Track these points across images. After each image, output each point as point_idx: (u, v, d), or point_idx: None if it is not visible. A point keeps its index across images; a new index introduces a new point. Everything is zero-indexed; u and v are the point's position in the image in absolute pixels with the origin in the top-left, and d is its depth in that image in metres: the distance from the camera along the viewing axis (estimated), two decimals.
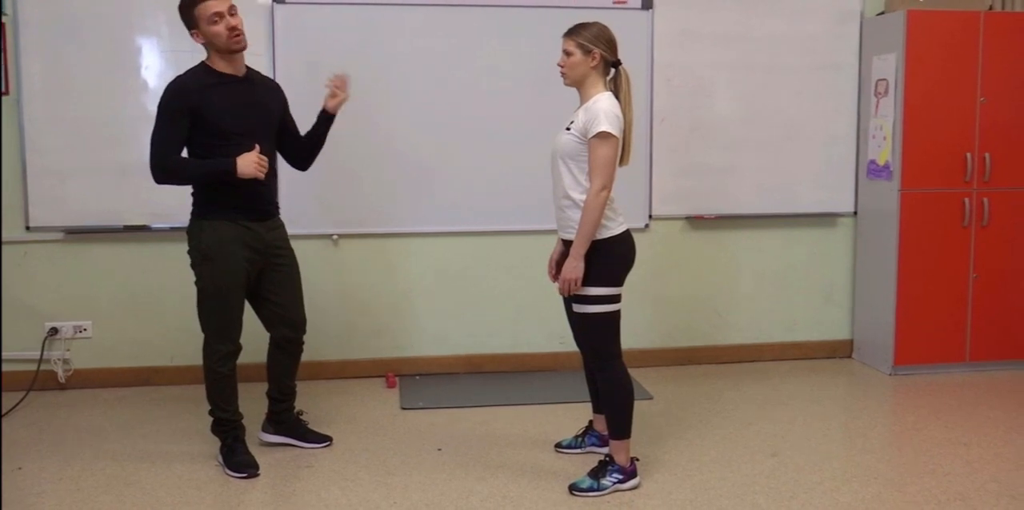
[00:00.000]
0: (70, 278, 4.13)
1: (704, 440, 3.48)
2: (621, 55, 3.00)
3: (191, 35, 3.08)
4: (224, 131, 3.03)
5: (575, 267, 2.88)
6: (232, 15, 3.02)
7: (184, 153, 3.11)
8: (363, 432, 3.60)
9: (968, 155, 4.34)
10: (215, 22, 2.98)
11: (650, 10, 4.35)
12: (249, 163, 3.00)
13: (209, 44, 3.05)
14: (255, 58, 4.07)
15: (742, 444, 3.44)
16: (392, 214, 4.26)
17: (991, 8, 4.45)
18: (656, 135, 4.42)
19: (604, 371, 3.02)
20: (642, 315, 4.52)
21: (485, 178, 4.29)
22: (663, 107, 4.43)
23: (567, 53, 2.95)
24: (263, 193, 3.15)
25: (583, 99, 2.98)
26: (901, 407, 3.97)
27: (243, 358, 3.25)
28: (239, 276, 3.12)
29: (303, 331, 3.36)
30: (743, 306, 4.66)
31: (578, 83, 2.97)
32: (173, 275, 4.19)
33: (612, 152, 2.85)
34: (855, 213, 4.67)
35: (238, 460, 3.17)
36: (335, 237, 4.25)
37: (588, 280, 2.90)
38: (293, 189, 4.14)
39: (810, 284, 4.70)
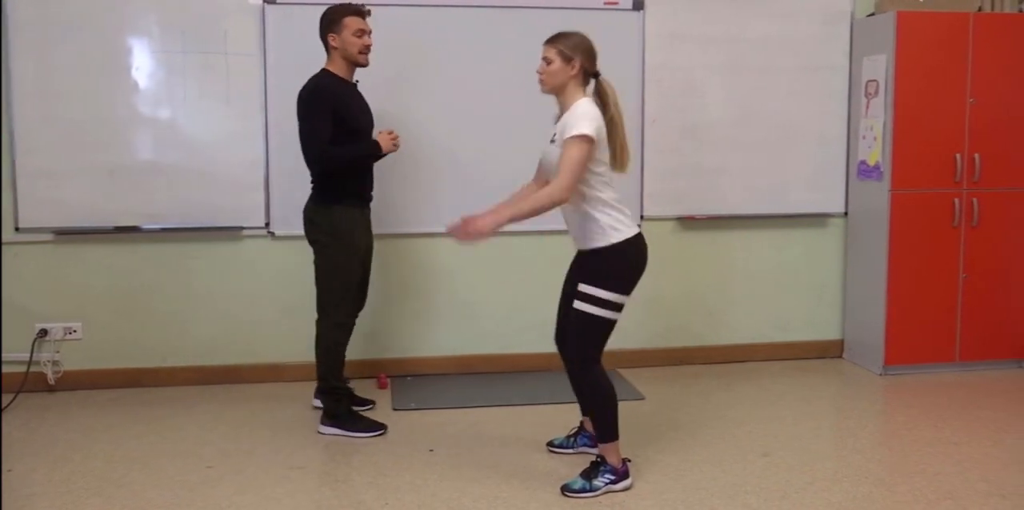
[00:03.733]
0: (60, 279, 4.12)
1: (696, 440, 3.49)
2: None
3: (326, 37, 3.45)
4: (356, 129, 3.45)
5: (487, 222, 2.83)
6: (370, 35, 3.48)
7: None
8: None
9: (958, 156, 4.36)
10: (359, 36, 3.43)
11: (641, 11, 4.36)
12: (387, 141, 3.47)
13: (341, 50, 3.44)
14: (246, 58, 4.09)
15: (734, 444, 3.45)
16: (384, 215, 4.25)
17: (980, 9, 4.47)
18: (647, 136, 4.43)
19: (584, 375, 3.02)
20: (634, 315, 4.51)
21: (476, 180, 4.28)
22: (654, 108, 4.44)
23: (547, 60, 2.95)
24: (371, 181, 3.60)
25: (562, 108, 2.99)
26: (891, 407, 3.99)
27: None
28: (359, 254, 3.53)
29: (361, 308, 3.72)
30: (734, 306, 4.67)
31: (556, 91, 2.98)
32: (164, 276, 4.19)
33: (582, 154, 2.82)
34: (846, 213, 4.69)
35: (366, 422, 3.55)
36: None
37: (601, 282, 2.91)
38: (285, 191, 4.13)
39: (801, 284, 4.72)
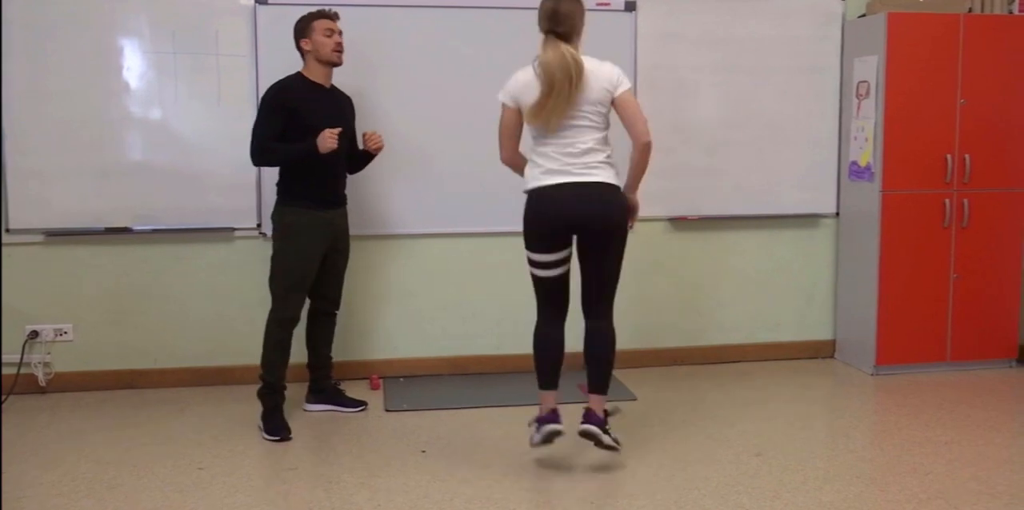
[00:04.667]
0: (51, 281, 4.10)
1: (688, 440, 3.50)
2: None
3: (299, 42, 3.55)
4: (314, 130, 3.42)
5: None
6: (340, 34, 3.56)
7: None
8: (347, 434, 3.59)
9: (948, 156, 4.38)
10: (328, 35, 3.52)
11: (633, 12, 4.36)
12: (323, 138, 3.41)
13: (314, 52, 3.53)
14: (237, 59, 4.08)
15: (726, 444, 3.46)
16: (376, 216, 4.25)
17: (971, 10, 4.48)
18: None
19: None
20: (625, 316, 4.52)
21: (469, 180, 4.28)
22: (646, 109, 4.34)
23: None
24: (333, 185, 3.65)
25: None
26: (883, 407, 4.00)
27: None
28: (313, 255, 3.59)
29: (338, 306, 3.84)
30: (726, 307, 4.67)
31: None
32: (155, 277, 4.18)
33: (502, 117, 3.18)
34: (837, 214, 4.70)
35: (274, 424, 3.54)
36: None
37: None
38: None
39: (792, 285, 4.73)
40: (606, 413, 3.19)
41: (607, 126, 3.13)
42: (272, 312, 3.59)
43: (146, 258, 4.15)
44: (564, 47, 3.01)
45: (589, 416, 3.14)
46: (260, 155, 3.52)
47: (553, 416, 3.17)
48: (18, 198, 4.00)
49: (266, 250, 4.16)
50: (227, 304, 4.22)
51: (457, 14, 4.22)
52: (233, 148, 4.10)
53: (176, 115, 4.08)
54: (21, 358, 4.07)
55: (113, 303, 4.15)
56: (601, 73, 3.06)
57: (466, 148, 4.26)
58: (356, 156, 3.76)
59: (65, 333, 4.14)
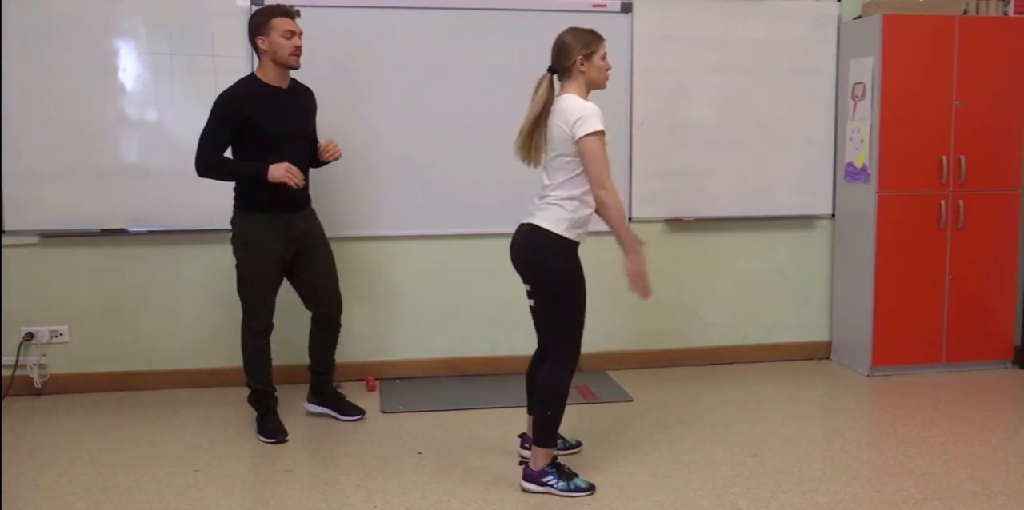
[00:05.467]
0: (46, 282, 4.09)
1: (684, 441, 3.50)
2: None
3: (255, 40, 3.36)
4: (272, 136, 3.36)
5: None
6: (300, 36, 3.38)
7: (228, 153, 3.43)
8: (343, 435, 3.59)
9: (944, 158, 4.39)
10: (287, 37, 3.34)
11: (630, 14, 4.37)
12: (280, 171, 3.32)
13: (270, 53, 3.36)
14: (233, 61, 4.08)
15: (722, 445, 3.46)
16: (372, 217, 4.25)
17: (966, 12, 4.49)
18: (636, 138, 4.44)
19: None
20: (621, 317, 4.53)
21: (465, 181, 4.29)
22: (643, 110, 4.45)
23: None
24: (293, 190, 3.42)
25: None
26: (879, 407, 4.00)
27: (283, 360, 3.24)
28: (271, 261, 3.47)
29: (338, 309, 3.71)
30: (722, 308, 4.68)
31: None
32: (151, 279, 4.17)
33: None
34: (833, 215, 4.71)
35: (269, 427, 3.52)
36: None
37: None
38: None
39: (788, 286, 4.73)
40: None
41: (578, 168, 2.92)
42: (243, 322, 3.53)
43: (142, 260, 4.15)
44: (544, 82, 2.97)
45: (524, 469, 3.05)
46: (205, 168, 3.36)
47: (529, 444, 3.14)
48: (14, 199, 3.99)
49: None
50: (223, 306, 4.21)
51: (449, 15, 4.21)
52: (229, 150, 4.10)
53: (172, 116, 4.08)
54: (16, 360, 4.06)
55: (109, 305, 4.15)
56: (564, 113, 2.90)
57: (462, 150, 4.27)
58: (315, 154, 3.60)
59: (61, 335, 4.13)
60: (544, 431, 3.01)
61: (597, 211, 2.96)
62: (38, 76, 3.95)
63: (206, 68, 4.06)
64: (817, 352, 4.79)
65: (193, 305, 4.21)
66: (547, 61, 3.01)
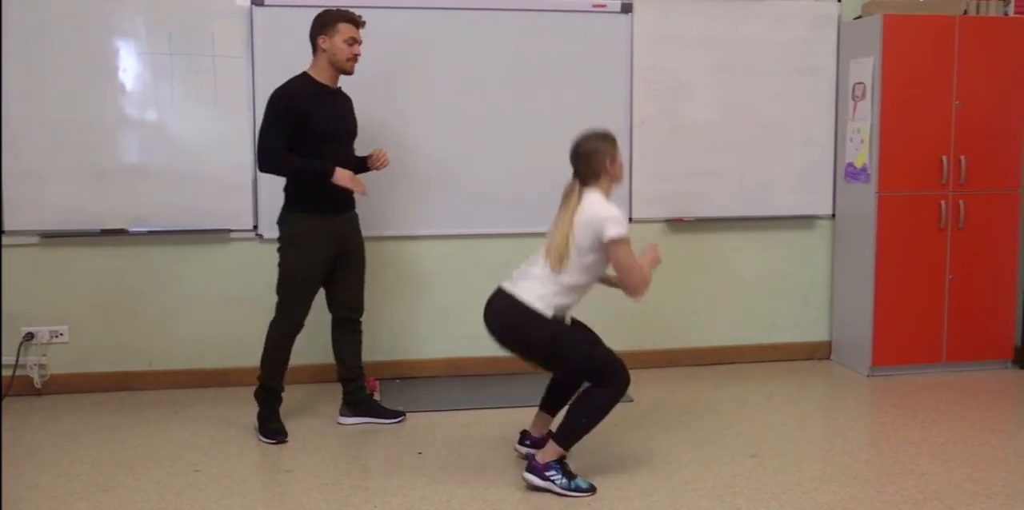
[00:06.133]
0: (46, 282, 4.09)
1: (684, 441, 3.50)
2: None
3: (316, 39, 3.42)
4: (323, 135, 3.41)
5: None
6: (360, 45, 3.46)
7: None
8: (343, 436, 3.59)
9: (944, 158, 4.39)
10: (349, 43, 3.41)
11: (630, 14, 4.36)
12: (346, 176, 3.41)
13: (329, 55, 3.41)
14: (233, 61, 4.08)
15: (722, 445, 3.46)
16: (372, 218, 4.24)
17: (966, 12, 4.50)
18: (636, 139, 4.44)
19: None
20: (622, 317, 4.53)
21: (466, 182, 4.29)
22: (643, 110, 4.44)
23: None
24: (343, 191, 3.48)
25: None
26: (879, 408, 4.00)
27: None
28: (316, 262, 3.51)
29: (360, 313, 3.75)
30: (722, 308, 4.68)
31: None
32: (151, 279, 4.17)
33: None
34: (833, 216, 4.71)
35: (270, 427, 3.53)
36: None
37: None
38: (273, 194, 4.12)
39: (789, 286, 4.73)
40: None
41: (583, 267, 3.01)
42: (276, 318, 3.55)
43: (142, 260, 4.15)
44: (574, 191, 3.05)
45: (530, 460, 3.08)
46: (269, 163, 3.40)
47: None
48: (14, 199, 3.99)
49: (261, 252, 4.19)
50: (223, 306, 4.22)
51: (473, 16, 4.21)
52: (229, 150, 4.11)
53: (172, 117, 4.08)
54: (17, 360, 4.06)
55: (109, 305, 4.15)
56: (587, 217, 2.98)
57: (467, 151, 4.27)
58: (360, 161, 3.68)
59: (61, 335, 4.13)
60: (570, 433, 3.01)
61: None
62: (38, 76, 3.96)
63: (206, 68, 4.06)
64: (817, 352, 4.79)
65: (193, 305, 4.21)
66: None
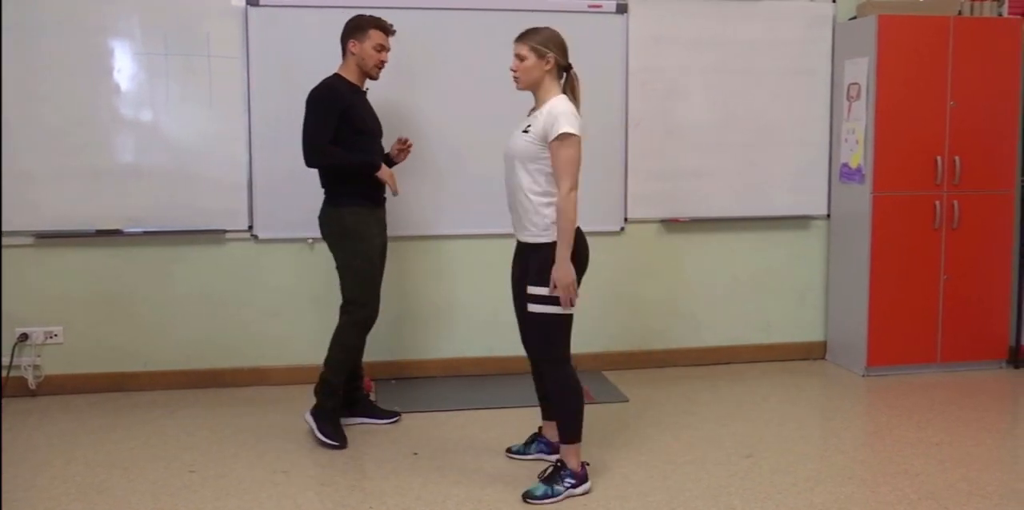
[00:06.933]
0: (41, 283, 4.08)
1: (679, 441, 3.50)
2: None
3: (347, 43, 3.50)
4: (359, 131, 3.49)
5: (566, 271, 2.85)
6: (388, 52, 3.55)
7: None
8: None
9: (938, 158, 4.40)
10: (378, 50, 3.50)
11: (625, 14, 4.37)
12: (388, 173, 3.54)
13: (358, 59, 3.51)
14: (229, 61, 4.08)
15: (717, 445, 3.46)
16: None
17: (961, 13, 4.51)
18: (631, 138, 4.44)
19: (555, 375, 3.01)
20: (617, 318, 4.54)
21: (459, 182, 4.29)
22: (638, 110, 4.45)
23: (520, 57, 2.97)
24: (380, 185, 3.58)
25: (538, 102, 3.00)
26: (874, 408, 4.01)
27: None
28: (375, 250, 3.57)
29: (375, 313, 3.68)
30: (718, 308, 4.68)
31: (532, 87, 2.99)
32: (146, 279, 4.16)
33: (576, 152, 2.85)
34: (828, 216, 4.71)
35: (333, 429, 3.49)
36: (310, 241, 4.23)
37: (547, 280, 2.88)
38: (269, 194, 4.12)
39: (784, 286, 4.74)
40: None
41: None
42: (351, 315, 3.52)
43: (137, 260, 4.14)
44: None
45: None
46: (319, 156, 3.44)
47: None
48: (8, 200, 3.98)
49: (257, 252, 4.19)
50: (218, 306, 4.21)
51: (471, 17, 4.22)
52: (225, 150, 4.11)
53: (167, 117, 4.07)
54: (11, 361, 4.05)
55: (103, 305, 4.14)
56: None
57: (459, 151, 4.27)
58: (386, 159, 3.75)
59: (55, 336, 4.12)
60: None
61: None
62: (33, 76, 3.95)
63: (201, 68, 4.06)
64: (812, 352, 4.79)
65: (188, 306, 4.20)
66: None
